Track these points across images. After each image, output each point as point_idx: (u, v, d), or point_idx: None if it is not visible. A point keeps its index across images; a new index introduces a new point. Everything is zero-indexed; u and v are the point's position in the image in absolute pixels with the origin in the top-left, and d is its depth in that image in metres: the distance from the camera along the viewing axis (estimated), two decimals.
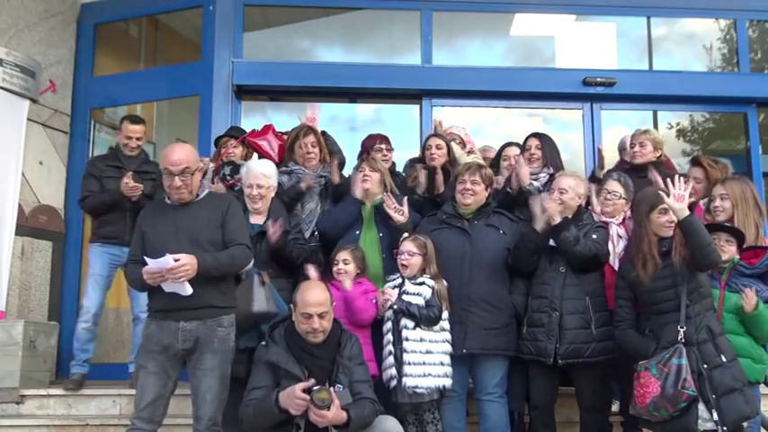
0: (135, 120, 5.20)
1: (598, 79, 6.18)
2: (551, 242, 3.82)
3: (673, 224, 3.42)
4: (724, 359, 3.25)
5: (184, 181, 3.39)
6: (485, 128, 6.90)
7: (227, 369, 3.43)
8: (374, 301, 3.83)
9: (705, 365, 3.22)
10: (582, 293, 3.76)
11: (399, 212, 4.03)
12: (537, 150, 4.53)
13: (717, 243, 3.50)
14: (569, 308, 3.74)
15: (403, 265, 3.84)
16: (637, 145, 4.67)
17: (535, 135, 4.63)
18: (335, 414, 3.04)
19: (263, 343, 3.37)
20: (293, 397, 3.04)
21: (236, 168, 4.62)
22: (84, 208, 5.09)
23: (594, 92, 6.20)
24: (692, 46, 6.94)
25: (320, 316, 3.22)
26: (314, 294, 3.28)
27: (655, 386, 3.21)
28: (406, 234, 3.90)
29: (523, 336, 3.83)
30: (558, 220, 3.75)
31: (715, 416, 3.15)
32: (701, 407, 3.19)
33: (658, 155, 4.67)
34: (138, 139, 5.04)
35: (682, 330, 3.25)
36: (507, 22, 6.67)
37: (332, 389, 3.08)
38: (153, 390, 3.35)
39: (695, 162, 4.45)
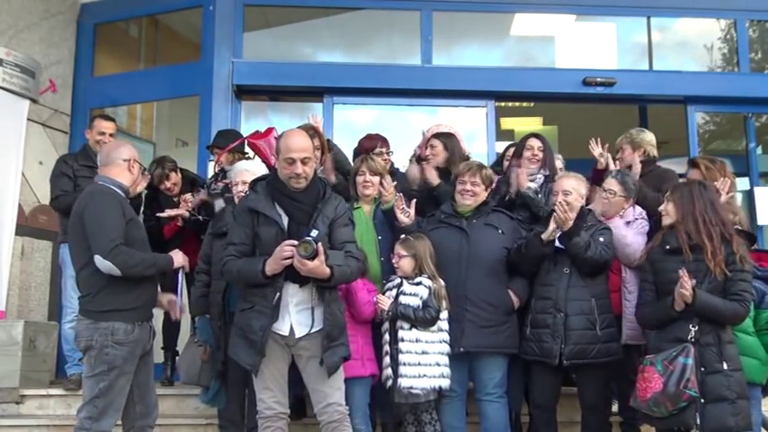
0: (107, 117, 5.24)
1: (598, 79, 6.18)
2: (556, 243, 3.80)
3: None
4: (725, 367, 3.21)
5: None
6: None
7: None
8: (375, 300, 3.81)
9: (702, 368, 3.20)
10: (587, 294, 3.75)
11: (406, 214, 3.98)
12: (539, 152, 4.47)
13: None
14: (574, 309, 3.72)
15: (395, 267, 3.84)
16: (619, 150, 4.64)
17: (536, 136, 4.54)
18: (318, 266, 3.06)
19: (247, 193, 3.43)
20: (280, 249, 3.07)
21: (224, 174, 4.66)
22: (59, 207, 4.87)
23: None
24: (692, 46, 6.94)
25: (303, 162, 3.21)
26: (297, 140, 3.26)
27: (657, 382, 3.20)
28: (402, 236, 3.89)
29: (527, 337, 3.81)
30: (570, 226, 3.73)
31: (698, 420, 3.14)
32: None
33: (642, 152, 4.60)
34: (111, 135, 5.02)
35: (693, 329, 3.22)
36: (507, 22, 6.67)
37: (319, 244, 3.05)
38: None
39: (693, 164, 4.43)
